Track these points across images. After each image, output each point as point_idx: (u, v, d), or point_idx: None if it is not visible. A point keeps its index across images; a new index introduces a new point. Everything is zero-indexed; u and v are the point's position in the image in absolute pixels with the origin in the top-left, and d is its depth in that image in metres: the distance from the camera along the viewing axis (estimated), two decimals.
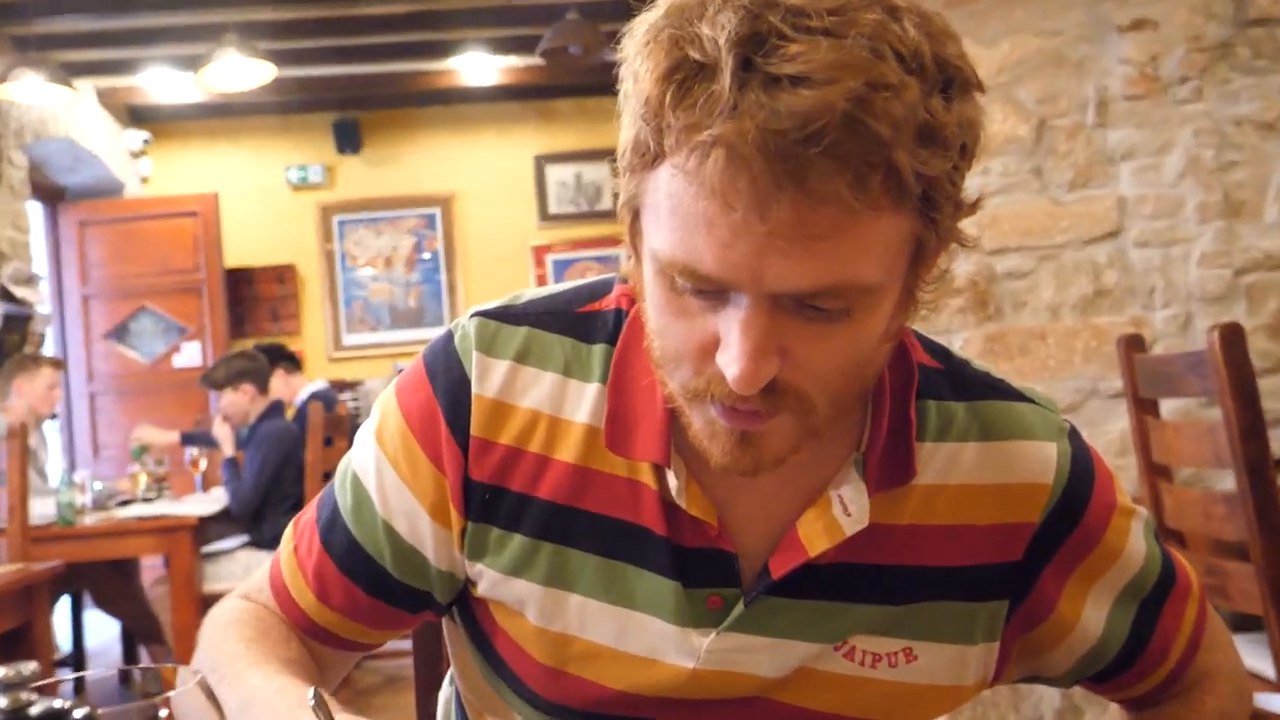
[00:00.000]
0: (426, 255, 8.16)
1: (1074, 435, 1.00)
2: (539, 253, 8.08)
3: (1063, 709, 2.93)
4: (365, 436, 1.02)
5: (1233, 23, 3.11)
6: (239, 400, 5.05)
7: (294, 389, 5.67)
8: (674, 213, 0.76)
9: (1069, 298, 3.00)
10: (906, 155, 0.72)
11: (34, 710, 0.54)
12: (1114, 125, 3.05)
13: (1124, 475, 2.96)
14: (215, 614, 1.05)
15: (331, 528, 1.02)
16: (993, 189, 3.00)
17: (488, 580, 0.98)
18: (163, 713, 0.59)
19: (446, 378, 0.97)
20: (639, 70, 0.76)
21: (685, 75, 0.73)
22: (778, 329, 0.77)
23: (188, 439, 5.56)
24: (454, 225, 8.15)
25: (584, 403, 0.95)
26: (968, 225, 0.83)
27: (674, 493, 0.91)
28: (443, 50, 7.11)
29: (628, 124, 0.79)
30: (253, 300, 8.02)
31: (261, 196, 8.12)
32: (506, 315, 0.99)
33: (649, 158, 0.78)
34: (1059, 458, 0.96)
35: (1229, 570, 2.37)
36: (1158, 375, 2.55)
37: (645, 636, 0.94)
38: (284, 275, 8.06)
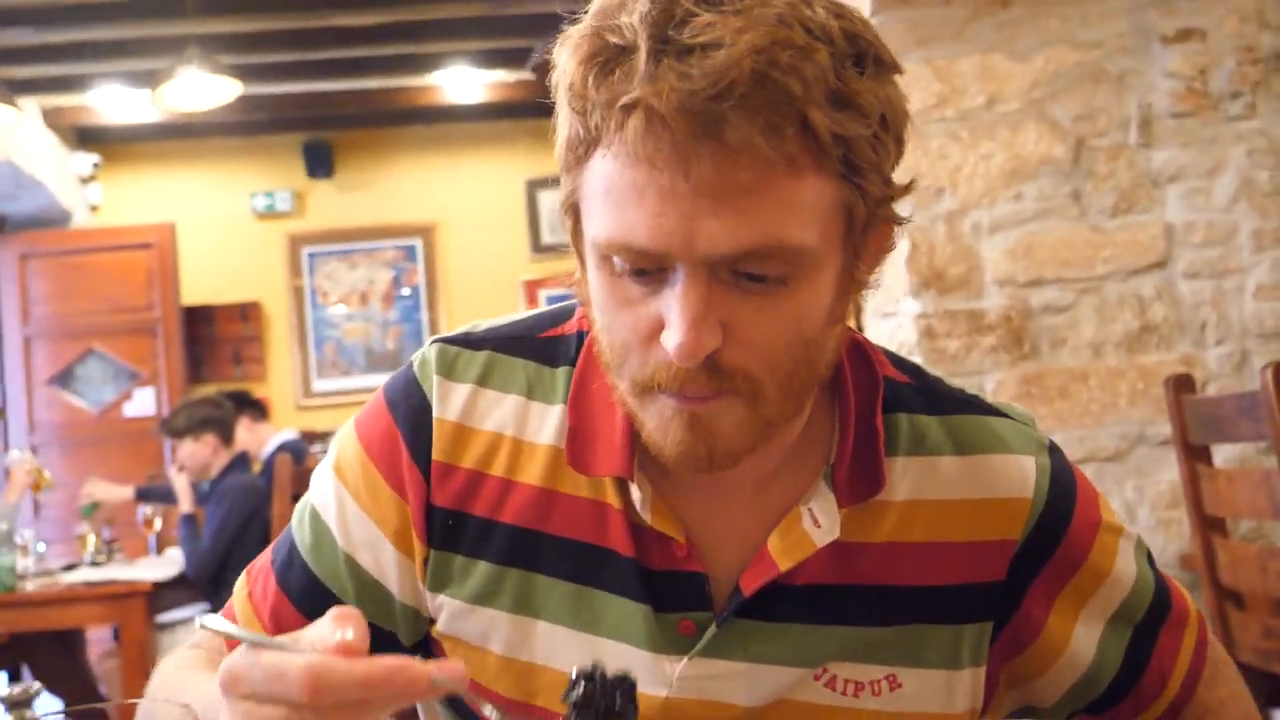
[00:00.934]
0: (406, 291, 8.19)
1: (1054, 450, 1.07)
2: (531, 287, 8.12)
3: None
4: (323, 472, 1.09)
5: None
6: (200, 451, 5.05)
7: (260, 439, 5.70)
8: (607, 194, 0.87)
9: (1112, 334, 3.05)
10: (820, 113, 0.82)
11: None
12: (1159, 145, 3.11)
13: (1175, 530, 3.01)
14: (164, 663, 1.09)
15: (289, 567, 1.08)
16: (1027, 215, 3.05)
17: (449, 613, 1.04)
18: None
19: (407, 404, 1.06)
20: (564, 65, 0.88)
21: (606, 58, 0.84)
22: (717, 301, 0.86)
23: (143, 494, 5.58)
24: (436, 257, 8.19)
25: (547, 424, 1.03)
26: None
27: (638, 506, 0.98)
28: (423, 65, 7.19)
29: (561, 124, 0.91)
30: (213, 341, 8.01)
31: (223, 226, 8.14)
32: (467, 341, 1.08)
33: (581, 150, 0.89)
34: (1038, 472, 1.04)
35: None
36: (1209, 419, 2.59)
37: (616, 662, 0.97)
38: (248, 313, 8.07)
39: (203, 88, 5.58)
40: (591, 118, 0.86)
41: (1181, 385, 2.69)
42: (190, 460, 5.11)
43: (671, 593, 1.00)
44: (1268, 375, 2.30)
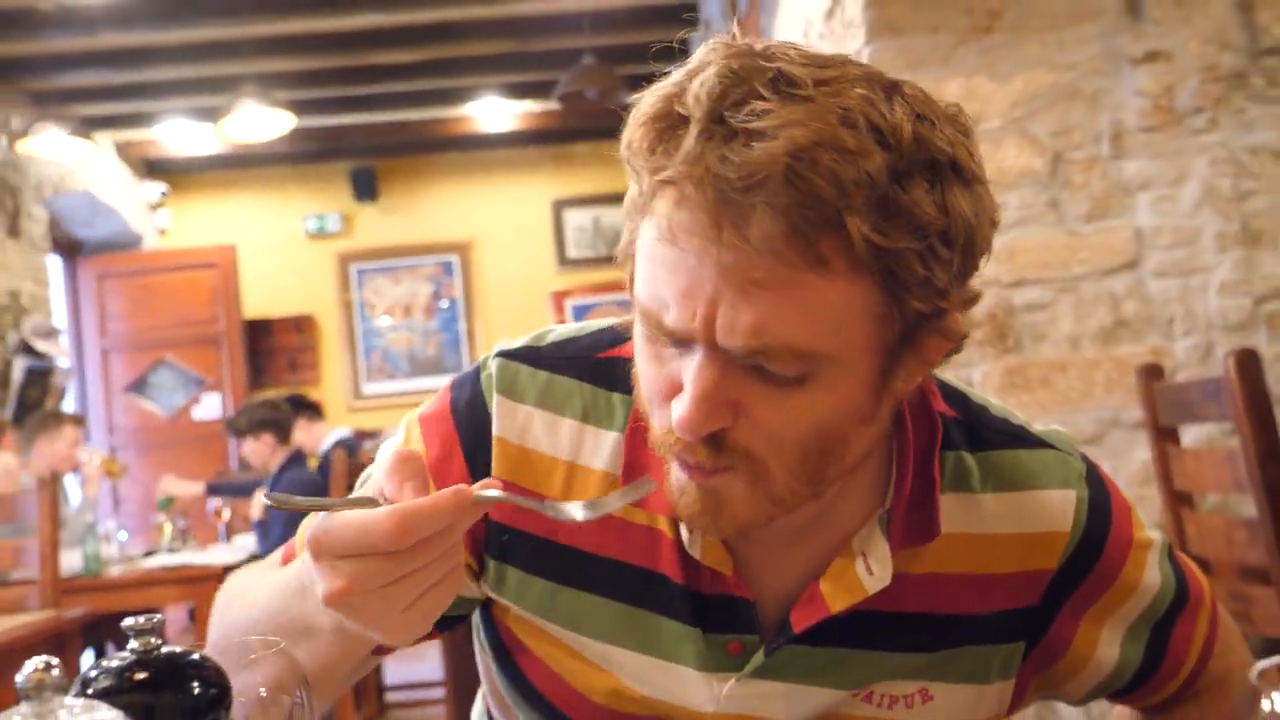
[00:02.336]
0: (445, 302, 8.24)
1: (1091, 477, 1.02)
2: (558, 298, 8.14)
3: None
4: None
5: (1247, 53, 3.17)
6: (259, 449, 5.13)
7: (316, 437, 5.75)
8: (648, 260, 0.82)
9: (1088, 329, 3.06)
10: (858, 220, 0.74)
11: (161, 651, 0.64)
12: (1129, 156, 3.12)
13: (1147, 504, 3.01)
14: (226, 584, 1.07)
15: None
16: (1009, 222, 3.06)
17: (514, 613, 1.02)
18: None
19: (469, 415, 1.00)
20: (630, 120, 0.82)
21: (664, 125, 0.78)
22: (731, 383, 0.80)
23: (213, 489, 5.64)
24: (472, 272, 8.24)
25: (602, 450, 0.97)
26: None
27: (686, 543, 0.93)
28: (459, 97, 7.22)
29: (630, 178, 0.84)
30: (271, 351, 8.09)
31: (279, 247, 8.20)
32: (529, 357, 1.01)
33: (638, 205, 0.83)
34: (1076, 505, 0.99)
35: (1253, 595, 2.41)
36: (1177, 403, 2.60)
37: (666, 679, 0.97)
38: (302, 325, 8.16)
39: (259, 121, 5.63)
40: (641, 181, 0.81)
41: (1151, 374, 2.69)
42: (252, 457, 5.18)
43: (721, 616, 0.96)
44: (1230, 363, 2.31)
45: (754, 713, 0.97)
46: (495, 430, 0.99)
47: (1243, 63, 3.18)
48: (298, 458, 5.19)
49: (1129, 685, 1.06)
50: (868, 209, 0.74)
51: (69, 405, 6.83)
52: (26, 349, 6.17)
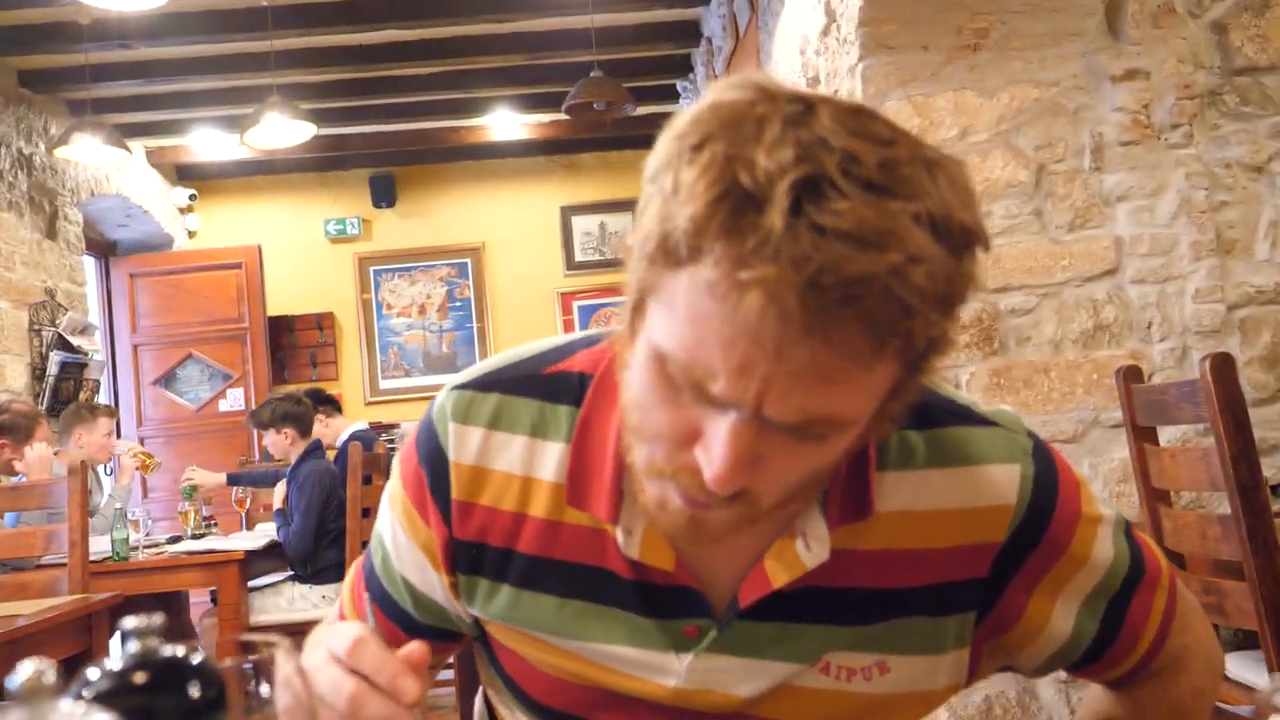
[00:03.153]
0: (458, 302, 8.21)
1: (1039, 453, 0.99)
2: (565, 299, 8.14)
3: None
4: (384, 498, 1.09)
5: (1220, 72, 3.16)
6: (280, 441, 5.11)
7: (335, 430, 5.73)
8: (692, 323, 0.74)
9: (1070, 332, 3.04)
10: (923, 322, 0.72)
11: (162, 654, 0.61)
12: (1109, 169, 3.10)
13: (1125, 501, 3.00)
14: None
15: (371, 578, 1.09)
16: (995, 231, 3.04)
17: (489, 621, 1.04)
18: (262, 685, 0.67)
19: (428, 448, 1.01)
20: (685, 179, 0.72)
21: (735, 202, 0.70)
22: (759, 442, 0.77)
23: (234, 479, 5.63)
24: (484, 273, 8.21)
25: (551, 461, 0.97)
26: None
27: (622, 547, 0.93)
28: (473, 108, 7.21)
29: (658, 216, 0.74)
30: (293, 347, 8.08)
31: (301, 248, 8.20)
32: (481, 384, 1.01)
33: (674, 260, 0.74)
34: (1021, 481, 0.96)
35: (1226, 589, 2.39)
36: (1154, 404, 2.58)
37: (629, 661, 0.98)
38: (323, 323, 8.14)
39: (283, 130, 5.60)
40: (705, 255, 0.72)
41: (1130, 376, 2.68)
42: (274, 449, 5.17)
43: (674, 604, 0.96)
44: (1205, 366, 2.29)
45: (714, 686, 0.97)
46: (450, 457, 1.00)
47: (1216, 81, 3.17)
48: (316, 449, 5.18)
49: (1085, 658, 1.04)
50: (932, 310, 0.72)
51: (102, 398, 6.83)
52: (62, 344, 6.17)
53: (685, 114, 0.76)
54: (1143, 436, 2.65)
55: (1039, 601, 0.99)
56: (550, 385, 1.00)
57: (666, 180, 0.74)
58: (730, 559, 0.95)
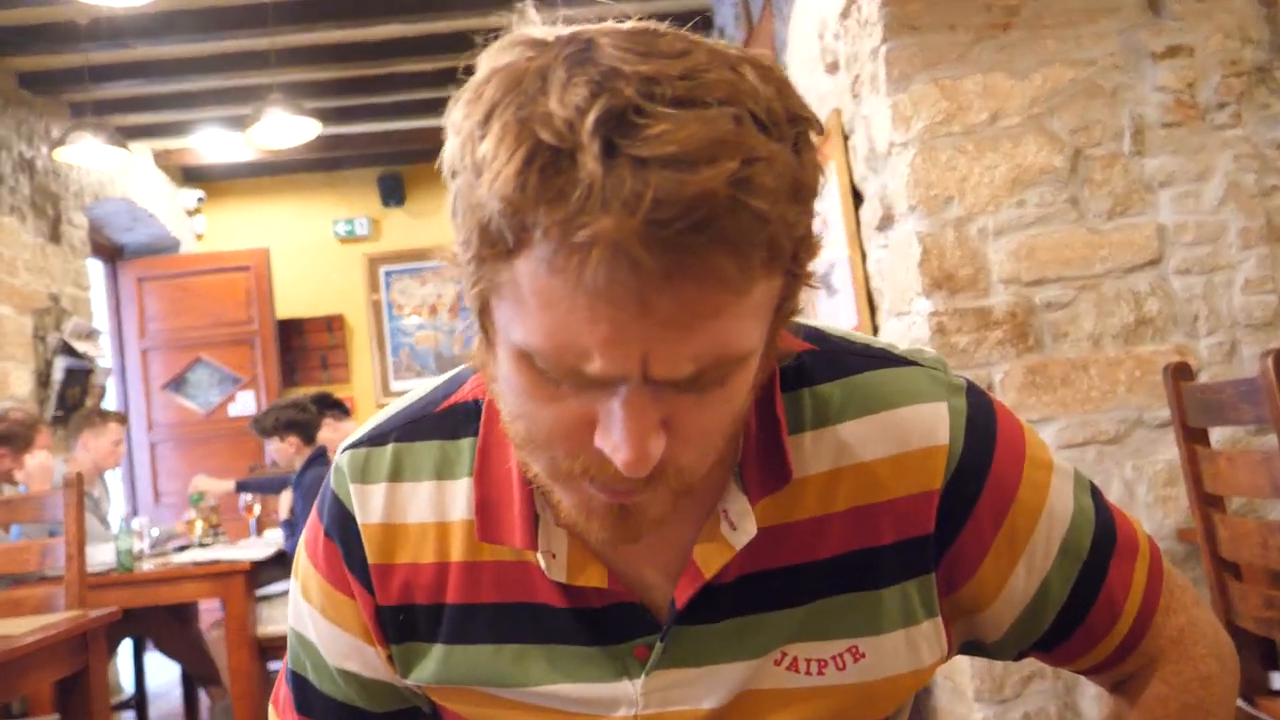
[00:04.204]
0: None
1: (971, 391, 0.88)
2: None
3: None
4: (294, 597, 0.98)
5: (1270, 47, 2.96)
6: (284, 449, 5.04)
7: (344, 435, 5.56)
8: (545, 308, 0.66)
9: (1110, 327, 2.85)
10: (781, 223, 0.65)
11: None
12: (1151, 153, 2.90)
13: (1173, 505, 2.80)
14: None
15: (304, 699, 0.98)
16: (1029, 220, 2.85)
17: (424, 685, 0.93)
18: None
19: (331, 516, 0.92)
20: (484, 155, 0.65)
21: (544, 163, 0.62)
22: (661, 408, 0.69)
23: (242, 486, 5.49)
24: None
25: (459, 500, 0.88)
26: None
27: (547, 573, 0.84)
28: None
29: (469, 208, 0.67)
30: (303, 350, 7.97)
31: (310, 250, 8.11)
32: (373, 439, 0.93)
33: (503, 249, 0.67)
34: (951, 416, 0.85)
35: None
36: (1207, 404, 2.40)
37: (580, 700, 0.87)
38: (333, 325, 8.03)
39: (288, 128, 5.49)
40: (531, 231, 0.65)
41: (1180, 373, 2.50)
42: (278, 455, 5.08)
43: (616, 627, 0.86)
44: (1267, 363, 2.11)
45: (676, 705, 0.86)
46: (359, 519, 0.90)
47: (1265, 57, 2.97)
48: (320, 457, 5.03)
49: (1057, 632, 0.91)
50: (786, 208, 0.65)
51: (109, 403, 6.71)
52: (67, 350, 6.07)
53: (462, 94, 0.69)
54: (1194, 438, 2.47)
55: (995, 558, 0.87)
56: (446, 421, 0.91)
57: (466, 168, 0.67)
58: (661, 561, 0.85)
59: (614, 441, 0.69)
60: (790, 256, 0.68)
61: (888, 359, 0.88)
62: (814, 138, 0.70)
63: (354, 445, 0.93)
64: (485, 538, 0.86)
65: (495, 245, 0.67)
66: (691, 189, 0.61)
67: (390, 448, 0.91)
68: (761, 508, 0.83)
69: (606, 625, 0.86)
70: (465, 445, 0.89)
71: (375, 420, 0.95)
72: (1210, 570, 2.45)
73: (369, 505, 0.90)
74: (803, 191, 0.67)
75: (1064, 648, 0.93)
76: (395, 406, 0.95)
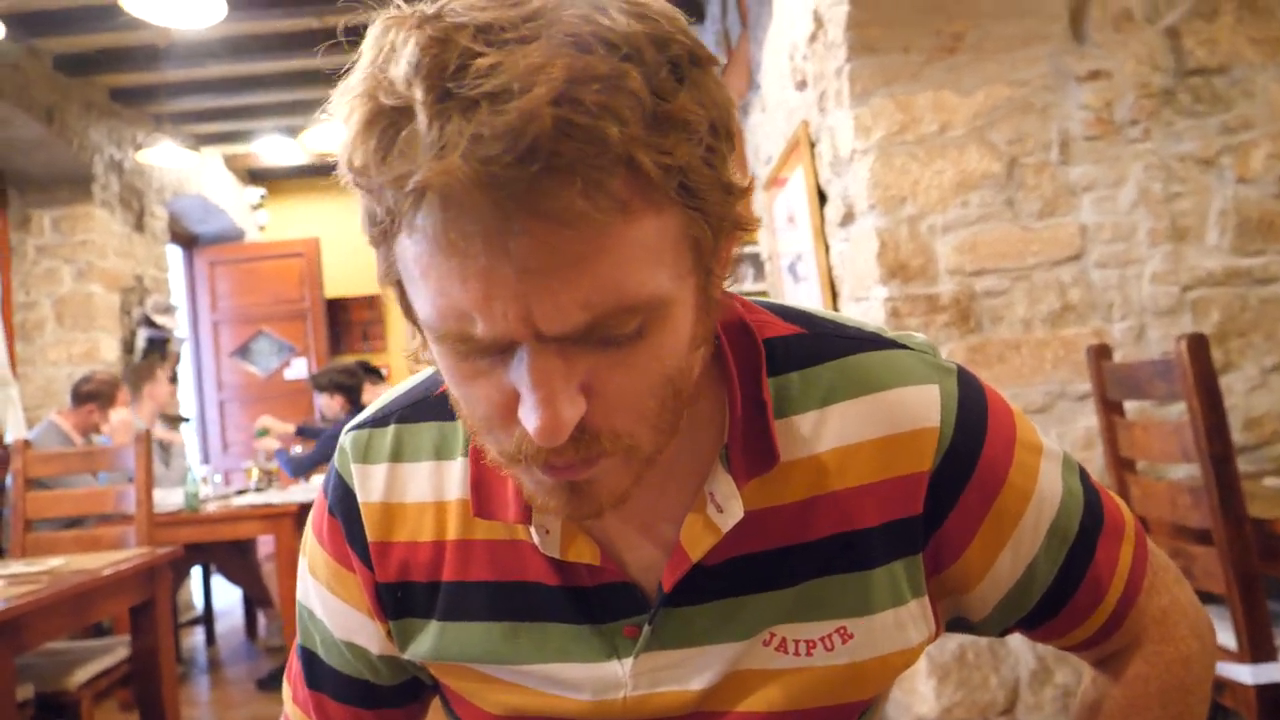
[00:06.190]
0: None
1: (962, 374, 0.74)
2: None
3: (1037, 670, 2.65)
4: (302, 574, 0.84)
5: (1175, 73, 2.82)
6: (332, 405, 4.98)
7: (377, 395, 5.47)
8: (425, 278, 0.54)
9: (1039, 313, 2.71)
10: (644, 150, 0.51)
11: None
12: (1075, 162, 2.76)
13: (1090, 466, 2.67)
14: None
15: (313, 672, 0.85)
16: (971, 219, 2.71)
17: (421, 660, 0.80)
18: None
19: (335, 495, 0.79)
20: (348, 140, 0.53)
21: (384, 125, 0.51)
22: (572, 368, 0.55)
23: (301, 430, 5.37)
24: None
25: (455, 479, 0.75)
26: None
27: (541, 547, 0.71)
28: None
29: (362, 206, 0.57)
30: (348, 324, 7.87)
31: (355, 239, 7.87)
32: (376, 421, 0.79)
33: (383, 227, 0.55)
34: (943, 398, 0.71)
35: (1194, 553, 2.09)
36: (1126, 380, 2.27)
37: (571, 679, 0.74)
38: (373, 303, 7.90)
39: (334, 135, 5.31)
40: (383, 199, 0.53)
41: (1100, 353, 2.37)
42: (325, 409, 5.01)
43: (606, 606, 0.72)
44: (1182, 346, 1.98)
45: (665, 686, 0.73)
46: (360, 498, 0.77)
47: (1171, 82, 2.81)
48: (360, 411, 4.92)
49: (1043, 610, 0.77)
50: (646, 132, 0.51)
51: (184, 369, 6.57)
52: (148, 322, 5.92)
53: (337, 91, 0.55)
54: (1111, 409, 2.34)
55: (983, 540, 0.73)
56: (444, 403, 0.75)
57: (344, 164, 0.54)
58: (650, 542, 0.72)
59: (526, 410, 0.55)
60: (677, 187, 0.53)
61: (877, 342, 0.73)
62: (712, 72, 0.56)
63: (358, 427, 0.80)
64: (480, 514, 0.73)
65: (384, 233, 0.55)
66: (510, 116, 0.48)
67: (391, 429, 0.78)
68: (749, 491, 0.69)
69: (597, 604, 0.73)
70: (461, 426, 0.75)
71: (377, 404, 0.82)
72: None
73: (369, 484, 0.77)
74: (674, 119, 0.52)
75: (1049, 625, 0.79)
76: (397, 390, 0.82)
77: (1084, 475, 0.79)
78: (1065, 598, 0.77)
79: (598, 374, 0.56)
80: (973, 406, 0.72)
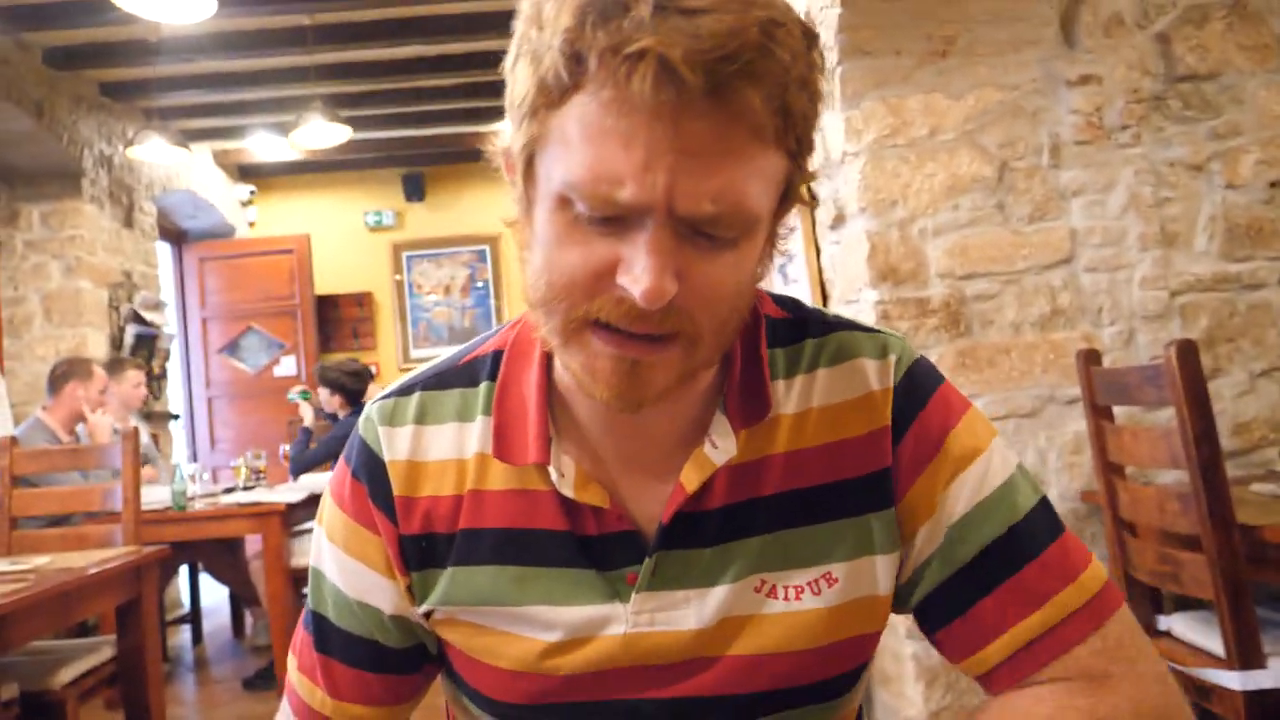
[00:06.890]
0: (479, 284, 7.93)
1: (921, 358, 0.84)
2: None
3: None
4: (317, 538, 0.88)
5: (1164, 79, 2.81)
6: (331, 401, 4.99)
7: (371, 396, 5.44)
8: (588, 140, 0.63)
9: (1029, 316, 2.70)
10: (794, 91, 0.63)
11: None
12: (1065, 166, 2.75)
13: (1077, 471, 2.67)
14: None
15: (322, 634, 0.87)
16: (962, 222, 2.70)
17: (435, 611, 0.84)
18: None
19: (360, 459, 0.84)
20: (548, 14, 0.63)
21: (604, 6, 0.61)
22: (680, 251, 0.64)
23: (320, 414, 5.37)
24: (500, 259, 7.93)
25: (474, 436, 0.82)
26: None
27: (558, 485, 0.78)
28: (491, 116, 6.90)
29: (529, 69, 0.65)
30: (337, 321, 7.81)
31: (344, 236, 7.93)
32: (401, 390, 0.86)
33: (556, 94, 0.64)
34: (896, 366, 0.82)
35: (1182, 559, 2.08)
36: (1115, 385, 2.26)
37: (573, 618, 0.79)
38: (362, 301, 7.85)
39: (324, 133, 5.32)
40: (586, 61, 0.62)
41: (1090, 359, 2.37)
42: (324, 403, 5.01)
43: (610, 554, 0.78)
44: (1171, 352, 1.98)
45: (663, 625, 0.78)
46: (385, 457, 0.83)
47: (1161, 87, 2.81)
48: (359, 414, 4.90)
49: (953, 603, 0.77)
50: (797, 85, 0.63)
51: (173, 365, 6.52)
52: (137, 318, 5.88)
53: None
54: (1100, 414, 2.34)
55: (918, 491, 0.79)
56: (468, 372, 0.85)
57: (530, 27, 0.65)
58: (655, 494, 0.79)
59: (635, 274, 0.64)
60: (796, 138, 0.65)
61: (856, 326, 0.85)
62: (820, 50, 0.67)
63: (384, 397, 0.86)
64: (500, 456, 0.80)
65: (549, 94, 0.64)
66: (728, 23, 0.60)
67: (416, 396, 0.85)
68: (744, 440, 0.78)
69: (602, 551, 0.79)
70: (482, 389, 0.83)
71: (402, 379, 0.88)
72: (1111, 528, 2.33)
73: (395, 444, 0.83)
74: (811, 82, 0.65)
75: (948, 627, 0.78)
76: (420, 368, 0.89)
77: (1045, 506, 0.80)
78: (975, 599, 0.76)
79: (693, 265, 0.65)
80: (924, 374, 0.82)
